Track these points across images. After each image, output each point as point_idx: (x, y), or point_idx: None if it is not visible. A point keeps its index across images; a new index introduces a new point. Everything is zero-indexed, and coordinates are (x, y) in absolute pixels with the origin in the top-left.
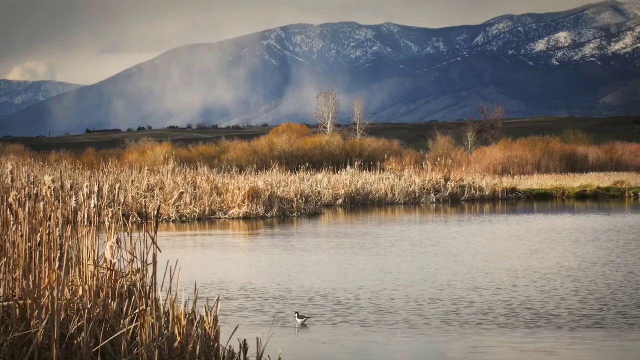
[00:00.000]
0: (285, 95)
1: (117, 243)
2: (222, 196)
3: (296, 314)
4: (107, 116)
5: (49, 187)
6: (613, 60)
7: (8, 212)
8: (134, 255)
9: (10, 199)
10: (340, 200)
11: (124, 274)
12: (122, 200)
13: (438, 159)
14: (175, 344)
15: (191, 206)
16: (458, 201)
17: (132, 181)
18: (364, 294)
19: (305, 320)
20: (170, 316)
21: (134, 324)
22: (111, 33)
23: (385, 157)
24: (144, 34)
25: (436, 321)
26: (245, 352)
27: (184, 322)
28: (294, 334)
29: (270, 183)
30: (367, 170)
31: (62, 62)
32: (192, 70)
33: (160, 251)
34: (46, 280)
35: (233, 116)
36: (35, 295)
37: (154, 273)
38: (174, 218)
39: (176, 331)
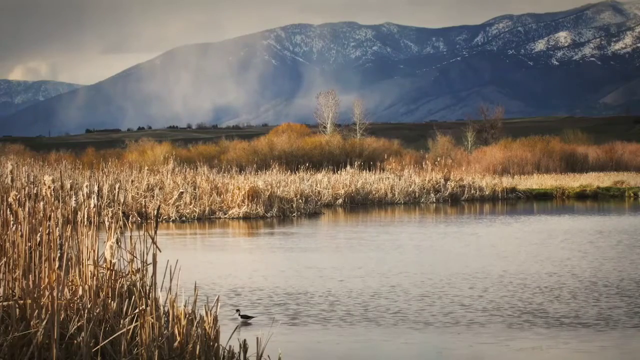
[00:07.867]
0: (295, 96)
1: (117, 243)
2: (222, 196)
3: (237, 312)
4: (110, 117)
5: (49, 187)
6: (613, 60)
7: (8, 212)
8: (134, 255)
9: (10, 199)
10: (340, 200)
11: (124, 274)
12: (122, 200)
13: (438, 159)
14: (175, 344)
15: (191, 206)
16: (458, 201)
17: (132, 181)
18: (363, 294)
19: (247, 320)
20: (170, 316)
21: (134, 324)
22: (114, 33)
23: (385, 157)
24: (146, 33)
25: (435, 321)
26: (245, 352)
27: (184, 322)
28: (294, 334)
29: (270, 183)
30: (367, 170)
31: (64, 62)
32: (197, 70)
33: (160, 251)
34: (46, 280)
35: (242, 119)
36: (35, 295)
37: (154, 273)
38: (174, 218)
39: (176, 331)
